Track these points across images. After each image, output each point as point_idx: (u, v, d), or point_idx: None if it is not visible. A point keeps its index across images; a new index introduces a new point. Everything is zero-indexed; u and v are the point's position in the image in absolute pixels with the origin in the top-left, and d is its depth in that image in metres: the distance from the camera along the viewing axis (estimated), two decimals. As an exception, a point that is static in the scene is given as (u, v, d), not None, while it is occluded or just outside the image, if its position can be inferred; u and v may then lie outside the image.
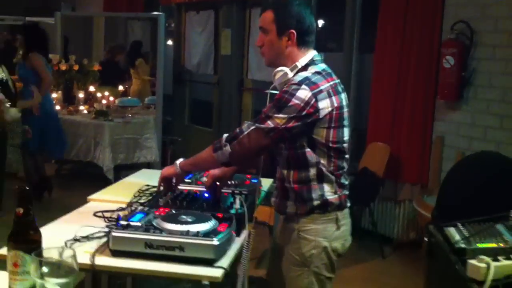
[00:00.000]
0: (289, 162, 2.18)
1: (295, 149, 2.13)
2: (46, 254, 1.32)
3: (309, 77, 2.07)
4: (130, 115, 6.21)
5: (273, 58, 2.19)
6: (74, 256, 1.30)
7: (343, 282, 3.93)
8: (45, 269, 1.28)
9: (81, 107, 6.33)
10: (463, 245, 1.96)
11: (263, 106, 2.14)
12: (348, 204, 2.24)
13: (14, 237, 1.40)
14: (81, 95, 6.54)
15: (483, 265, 1.76)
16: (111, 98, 6.69)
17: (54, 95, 6.11)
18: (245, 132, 2.11)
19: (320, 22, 5.97)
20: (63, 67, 6.40)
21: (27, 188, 1.41)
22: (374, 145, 4.90)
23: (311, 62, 2.15)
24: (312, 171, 2.13)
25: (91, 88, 6.70)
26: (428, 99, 4.52)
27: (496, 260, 1.79)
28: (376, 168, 4.71)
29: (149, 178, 2.80)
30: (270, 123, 2.04)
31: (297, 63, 2.14)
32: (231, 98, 6.74)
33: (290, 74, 2.12)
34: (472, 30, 4.20)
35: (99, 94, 6.65)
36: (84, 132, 5.85)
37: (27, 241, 1.38)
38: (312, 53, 2.18)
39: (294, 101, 2.01)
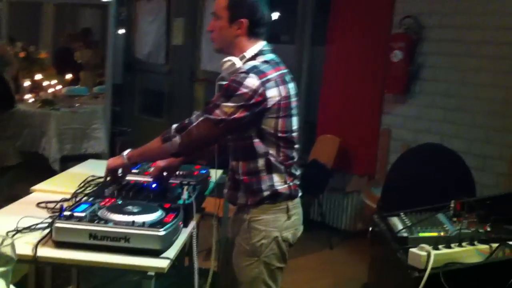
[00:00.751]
0: (238, 153, 2.18)
1: (243, 140, 2.13)
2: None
3: (257, 65, 2.07)
4: (77, 105, 6.06)
5: (222, 45, 2.19)
6: (12, 245, 1.28)
7: (290, 272, 3.93)
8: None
9: (27, 96, 6.14)
10: (405, 234, 2.01)
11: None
12: (299, 194, 2.25)
13: None
14: (27, 83, 6.33)
15: (423, 253, 1.81)
16: (58, 87, 6.51)
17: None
18: (194, 123, 2.10)
19: (273, 14, 5.98)
20: (8, 53, 6.19)
21: None
22: (324, 137, 4.97)
23: (260, 52, 2.15)
24: (261, 162, 2.13)
25: (38, 76, 6.50)
26: (377, 92, 4.61)
27: (436, 248, 1.84)
28: (325, 159, 4.77)
29: (95, 168, 2.75)
30: (218, 113, 2.03)
31: (245, 53, 2.13)
32: (183, 88, 6.68)
33: (238, 64, 2.11)
34: (420, 25, 4.30)
35: (45, 83, 6.46)
36: (29, 122, 5.67)
37: None
38: (261, 44, 2.18)
39: (242, 89, 2.01)
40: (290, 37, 5.74)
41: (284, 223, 2.18)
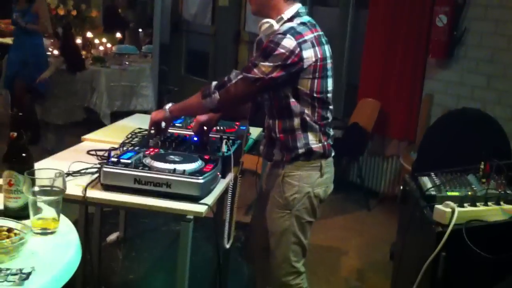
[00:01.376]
0: (274, 112, 2.27)
1: (279, 99, 2.21)
2: (38, 175, 1.45)
3: (294, 27, 2.14)
4: (127, 63, 6.25)
5: (259, 8, 2.25)
6: (63, 178, 1.43)
7: (326, 229, 4.11)
8: (36, 188, 1.41)
9: (79, 53, 6.36)
10: (433, 192, 2.08)
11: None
12: (332, 153, 2.34)
13: (8, 158, 1.53)
14: (78, 41, 6.55)
15: (448, 209, 1.88)
16: (109, 45, 6.71)
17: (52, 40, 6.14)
18: (233, 81, 2.20)
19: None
20: (61, 11, 6.40)
21: (20, 114, 1.53)
22: (365, 100, 4.99)
23: (296, 14, 2.21)
24: (296, 121, 2.22)
25: (89, 34, 6.71)
26: (419, 57, 4.58)
27: (461, 206, 1.91)
28: (365, 123, 4.81)
29: (141, 122, 2.90)
30: (256, 72, 2.12)
31: (282, 15, 2.19)
32: (227, 49, 6.77)
33: (276, 26, 2.17)
34: (466, -11, 4.24)
35: (96, 41, 6.67)
36: (81, 78, 5.91)
37: (20, 162, 1.51)
38: (297, 6, 2.23)
39: (280, 50, 2.08)
40: (332, 0, 5.73)
41: (316, 180, 2.27)
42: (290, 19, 2.20)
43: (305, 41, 2.12)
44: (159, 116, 2.38)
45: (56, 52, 5.96)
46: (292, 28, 2.13)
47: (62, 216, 1.49)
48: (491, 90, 4.15)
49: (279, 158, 2.29)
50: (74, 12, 6.62)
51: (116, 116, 5.79)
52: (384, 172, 4.98)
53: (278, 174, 2.30)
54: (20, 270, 1.24)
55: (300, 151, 2.24)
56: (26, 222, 1.44)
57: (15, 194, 1.51)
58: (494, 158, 2.27)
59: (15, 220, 1.43)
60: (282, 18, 2.19)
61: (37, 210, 1.43)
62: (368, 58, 4.98)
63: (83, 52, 6.38)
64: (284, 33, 2.11)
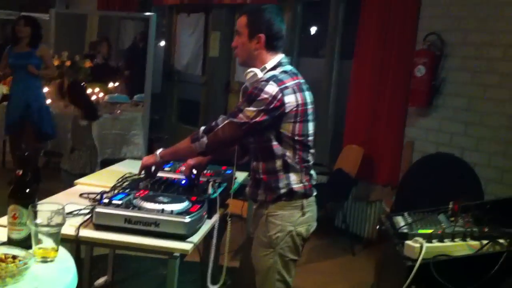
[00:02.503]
0: (258, 154, 2.43)
1: (263, 142, 2.37)
2: (40, 208, 1.59)
3: (276, 75, 2.33)
4: (118, 111, 6.40)
5: (244, 59, 2.46)
6: (63, 212, 1.57)
7: (310, 274, 4.19)
8: (38, 221, 1.56)
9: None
10: (405, 230, 2.22)
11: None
12: (314, 193, 2.47)
13: (13, 193, 1.68)
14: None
15: (417, 245, 2.03)
16: (101, 94, 6.89)
17: (45, 89, 6.32)
18: (220, 125, 2.36)
19: (305, 29, 6.24)
20: (56, 62, 6.60)
21: (26, 153, 1.68)
22: (350, 147, 5.16)
23: (279, 64, 2.40)
24: (278, 163, 2.37)
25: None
26: (401, 105, 4.79)
27: (430, 242, 2.05)
28: (350, 169, 4.97)
29: (132, 167, 3.03)
30: (242, 117, 2.29)
31: (266, 65, 2.39)
32: (218, 98, 6.99)
33: (260, 74, 2.36)
34: (443, 41, 4.48)
35: (89, 90, 6.84)
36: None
37: (24, 197, 1.65)
38: (280, 56, 2.43)
39: (263, 95, 2.26)
40: (321, 52, 6.00)
41: (298, 219, 2.41)
42: (273, 68, 2.38)
43: (286, 87, 2.30)
44: (150, 161, 2.53)
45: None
46: (274, 75, 2.32)
47: (60, 247, 1.64)
48: (469, 137, 4.33)
49: (263, 198, 2.43)
50: (68, 63, 6.84)
51: (107, 163, 5.91)
52: (368, 217, 5.09)
53: (262, 214, 2.43)
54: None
55: (282, 191, 2.38)
56: (28, 251, 1.58)
57: (19, 227, 1.65)
58: (463, 198, 2.43)
59: (19, 248, 1.58)
60: (265, 68, 2.38)
61: (38, 241, 1.57)
62: (352, 106, 5.19)
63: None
64: (267, 80, 2.29)
